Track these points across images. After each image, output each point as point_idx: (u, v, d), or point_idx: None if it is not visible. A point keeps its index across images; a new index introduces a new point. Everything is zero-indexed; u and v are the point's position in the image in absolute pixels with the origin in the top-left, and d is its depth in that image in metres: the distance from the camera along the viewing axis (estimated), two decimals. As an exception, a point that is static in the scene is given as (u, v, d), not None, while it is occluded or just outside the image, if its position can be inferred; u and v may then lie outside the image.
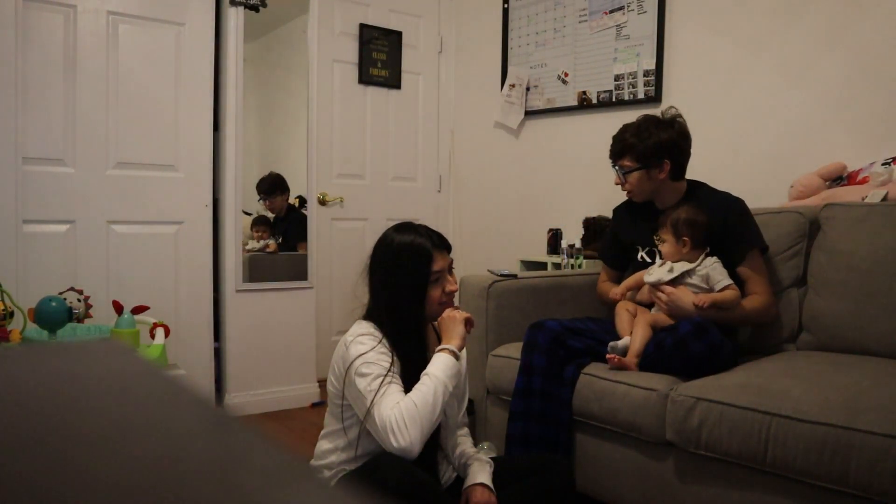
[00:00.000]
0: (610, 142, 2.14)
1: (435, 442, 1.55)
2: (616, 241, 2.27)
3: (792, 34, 2.52)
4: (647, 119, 2.09)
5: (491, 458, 1.66)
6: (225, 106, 2.93)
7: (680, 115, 2.10)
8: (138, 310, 2.22)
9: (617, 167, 2.11)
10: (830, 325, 1.99)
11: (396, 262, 1.55)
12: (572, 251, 2.86)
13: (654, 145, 2.02)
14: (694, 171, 2.20)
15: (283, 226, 3.17)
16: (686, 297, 1.89)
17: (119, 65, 2.67)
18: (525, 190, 3.52)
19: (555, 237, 3.15)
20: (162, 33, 2.76)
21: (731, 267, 1.97)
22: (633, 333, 1.91)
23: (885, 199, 2.06)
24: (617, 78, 3.06)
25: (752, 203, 2.25)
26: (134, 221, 2.73)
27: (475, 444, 1.78)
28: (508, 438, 1.91)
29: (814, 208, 2.16)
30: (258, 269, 3.06)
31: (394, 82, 3.65)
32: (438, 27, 3.83)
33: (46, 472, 0.24)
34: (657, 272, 1.96)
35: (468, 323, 1.59)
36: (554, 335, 1.90)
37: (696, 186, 2.13)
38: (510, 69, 3.53)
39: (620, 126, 2.14)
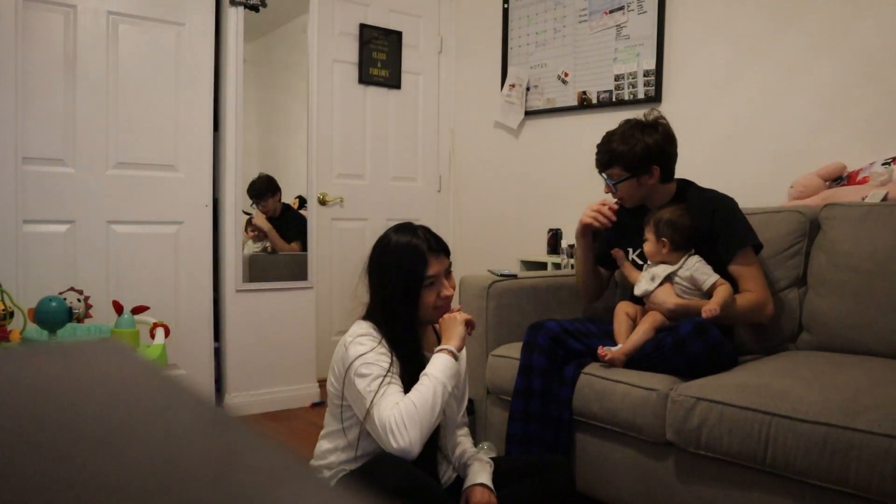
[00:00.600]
0: None
1: (434, 442, 1.55)
2: (606, 240, 2.27)
3: (792, 34, 2.52)
4: (630, 125, 2.04)
5: (491, 458, 1.66)
6: (225, 106, 2.93)
7: (662, 117, 2.06)
8: (138, 310, 2.22)
9: (605, 176, 2.08)
10: (830, 325, 1.99)
11: (391, 264, 1.55)
12: (572, 251, 2.86)
13: (642, 152, 1.98)
14: (694, 171, 2.20)
15: (279, 225, 3.17)
16: (668, 299, 1.90)
17: (119, 65, 2.67)
18: (525, 190, 3.52)
19: (555, 237, 3.15)
20: (162, 33, 2.76)
21: (722, 266, 1.96)
22: (633, 332, 1.92)
23: (885, 199, 2.06)
24: (617, 78, 3.06)
25: (753, 203, 2.25)
26: (134, 221, 2.73)
27: (475, 444, 1.78)
28: (508, 438, 1.91)
29: (814, 208, 2.16)
30: (258, 269, 3.06)
31: (394, 82, 3.65)
32: (438, 27, 3.83)
33: (46, 472, 0.24)
34: (643, 284, 1.97)
35: (469, 324, 1.59)
36: (553, 335, 1.90)
37: (686, 186, 2.10)
38: (510, 69, 3.53)
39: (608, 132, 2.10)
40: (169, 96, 2.79)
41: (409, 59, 3.70)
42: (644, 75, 2.96)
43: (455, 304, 1.73)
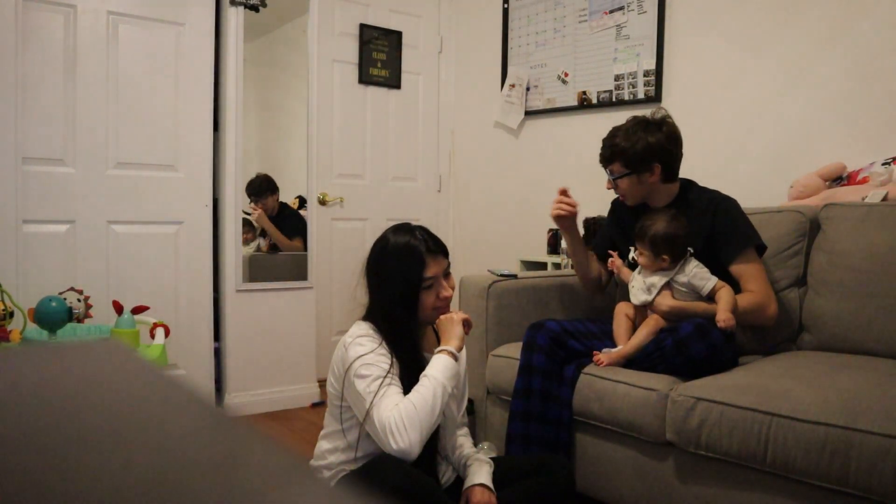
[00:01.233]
0: None
1: (434, 443, 1.55)
2: (608, 236, 2.27)
3: (792, 34, 2.52)
4: (636, 122, 2.04)
5: (491, 458, 1.66)
6: (225, 106, 2.93)
7: (669, 116, 2.05)
8: (138, 310, 2.22)
9: (608, 171, 2.09)
10: (830, 325, 1.99)
11: (389, 266, 1.55)
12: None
13: (644, 149, 1.97)
14: (694, 172, 2.20)
15: (278, 224, 3.17)
16: (664, 301, 1.90)
17: (119, 65, 2.67)
18: (525, 190, 3.52)
19: (555, 237, 3.15)
20: (162, 33, 2.76)
21: (724, 266, 1.95)
22: (633, 336, 1.91)
23: (885, 199, 2.06)
24: (617, 78, 3.06)
25: (753, 203, 2.25)
26: (134, 221, 2.73)
27: (475, 444, 1.78)
28: (508, 438, 1.91)
29: (814, 208, 2.16)
30: (258, 269, 3.07)
31: (394, 82, 3.65)
32: (438, 27, 3.83)
33: (46, 471, 0.24)
34: (640, 294, 1.94)
35: (466, 324, 1.58)
36: (554, 335, 1.90)
37: (688, 186, 2.09)
38: (510, 69, 3.53)
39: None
40: (169, 96, 2.79)
41: (409, 59, 3.70)
42: (644, 75, 2.96)
43: (455, 304, 1.72)
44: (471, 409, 2.20)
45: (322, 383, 2.76)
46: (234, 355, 2.97)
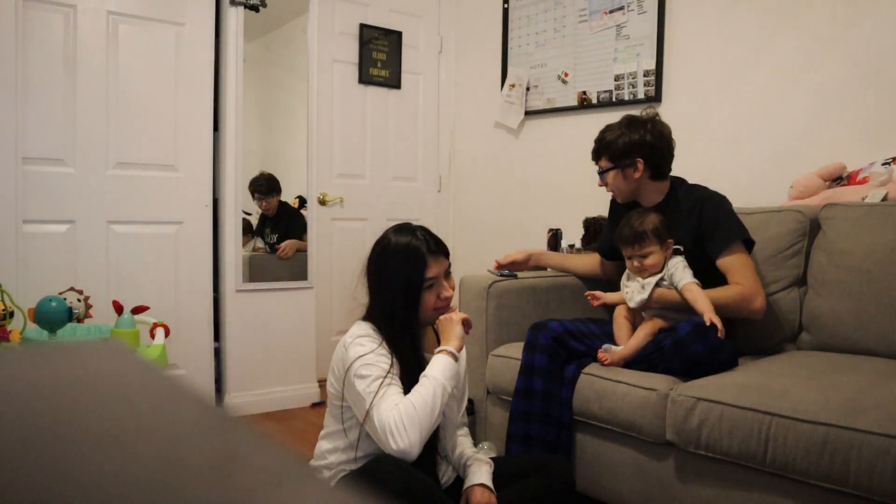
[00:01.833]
0: None
1: (434, 443, 1.55)
2: (609, 235, 2.28)
3: (792, 34, 2.52)
4: (624, 119, 2.11)
5: (491, 458, 1.66)
6: (225, 106, 2.93)
7: (658, 115, 2.11)
8: (138, 310, 2.22)
9: (598, 167, 2.16)
10: (830, 325, 1.99)
11: (390, 266, 1.54)
12: (572, 251, 2.86)
13: (625, 145, 2.04)
14: (694, 171, 2.20)
15: (278, 223, 3.17)
16: (656, 296, 1.93)
17: (119, 65, 2.67)
18: (525, 190, 3.52)
19: (555, 237, 3.15)
20: (162, 33, 2.76)
21: (711, 261, 1.96)
22: (632, 337, 1.91)
23: (885, 199, 2.06)
24: (617, 78, 3.06)
25: (753, 203, 2.25)
26: (134, 221, 2.73)
27: (475, 444, 1.78)
28: (509, 438, 1.91)
29: (814, 208, 2.16)
30: (258, 269, 3.07)
31: (394, 82, 3.65)
32: (438, 27, 3.83)
33: (46, 472, 0.24)
34: (635, 296, 1.94)
35: (466, 324, 1.58)
36: (556, 335, 1.90)
37: (677, 185, 2.12)
38: (510, 69, 3.53)
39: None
40: (169, 96, 2.79)
41: (409, 59, 3.70)
42: (644, 75, 2.95)
43: (455, 304, 1.72)
44: (471, 409, 2.20)
45: (322, 383, 2.76)
46: (233, 355, 2.97)
